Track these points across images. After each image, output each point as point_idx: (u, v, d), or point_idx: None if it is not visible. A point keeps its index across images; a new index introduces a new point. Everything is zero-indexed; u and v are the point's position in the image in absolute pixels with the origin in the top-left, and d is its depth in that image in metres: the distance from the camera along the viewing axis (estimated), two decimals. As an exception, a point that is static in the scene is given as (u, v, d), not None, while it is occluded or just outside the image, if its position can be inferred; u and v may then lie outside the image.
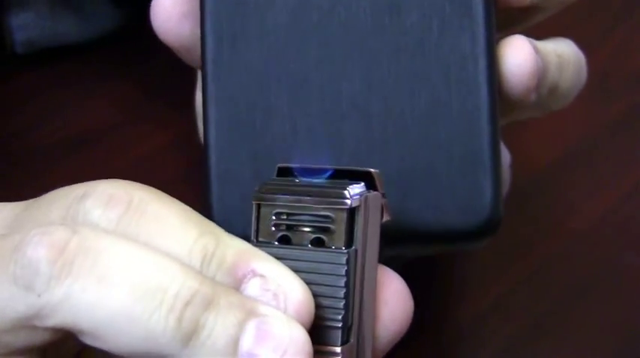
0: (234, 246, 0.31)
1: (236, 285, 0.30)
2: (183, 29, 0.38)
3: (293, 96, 0.35)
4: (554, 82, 0.38)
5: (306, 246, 0.31)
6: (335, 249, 0.31)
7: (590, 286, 0.52)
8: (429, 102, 0.35)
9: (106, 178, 0.32)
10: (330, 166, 0.32)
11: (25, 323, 0.30)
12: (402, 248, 0.36)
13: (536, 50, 0.37)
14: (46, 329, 0.30)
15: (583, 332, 0.50)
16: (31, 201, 0.33)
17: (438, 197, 0.35)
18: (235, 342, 0.29)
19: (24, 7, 0.58)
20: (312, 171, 0.32)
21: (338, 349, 0.30)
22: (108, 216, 0.31)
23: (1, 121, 0.56)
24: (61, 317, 0.30)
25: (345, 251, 0.31)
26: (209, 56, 0.36)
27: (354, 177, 0.32)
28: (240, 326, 0.29)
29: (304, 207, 0.31)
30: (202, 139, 0.37)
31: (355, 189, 0.31)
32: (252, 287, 0.30)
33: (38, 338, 0.30)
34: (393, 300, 0.32)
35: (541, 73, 0.37)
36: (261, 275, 0.30)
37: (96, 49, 0.60)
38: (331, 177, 0.32)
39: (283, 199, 0.31)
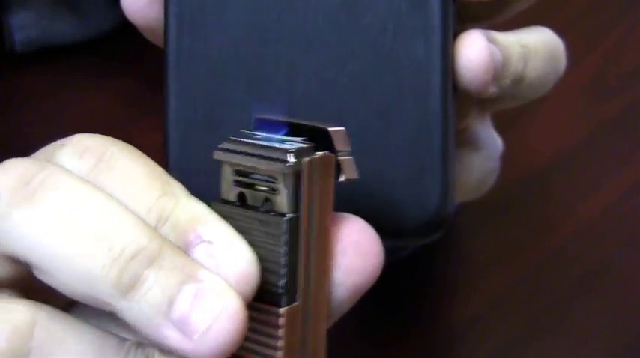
0: (190, 210, 0.31)
1: (186, 249, 0.31)
2: (152, 11, 0.38)
3: (248, 92, 0.35)
4: (518, 73, 0.38)
5: (258, 206, 0.31)
6: (279, 213, 0.31)
7: (586, 284, 0.52)
8: (382, 104, 0.35)
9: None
10: (292, 120, 0.32)
11: None
12: None
13: (495, 42, 0.37)
14: None
15: (579, 331, 0.50)
16: None
17: (387, 196, 0.36)
18: (171, 302, 0.30)
19: (24, 7, 0.58)
20: (272, 125, 0.32)
21: (281, 310, 0.31)
22: (80, 166, 0.32)
23: (1, 120, 0.57)
24: (12, 245, 0.31)
25: (285, 219, 0.31)
26: (171, 47, 0.36)
27: (313, 133, 0.31)
28: (178, 288, 0.30)
29: (254, 167, 0.31)
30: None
31: (300, 153, 0.31)
32: (198, 253, 0.31)
33: None
34: (350, 250, 0.32)
35: (498, 66, 0.37)
36: (209, 242, 0.31)
37: (95, 48, 0.60)
38: (289, 133, 0.32)
39: (238, 158, 0.31)
